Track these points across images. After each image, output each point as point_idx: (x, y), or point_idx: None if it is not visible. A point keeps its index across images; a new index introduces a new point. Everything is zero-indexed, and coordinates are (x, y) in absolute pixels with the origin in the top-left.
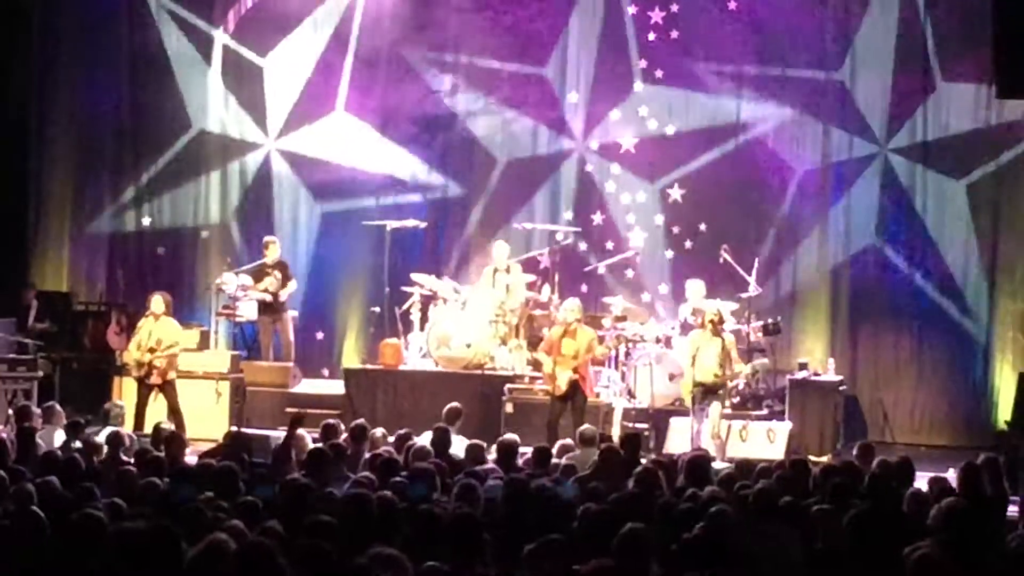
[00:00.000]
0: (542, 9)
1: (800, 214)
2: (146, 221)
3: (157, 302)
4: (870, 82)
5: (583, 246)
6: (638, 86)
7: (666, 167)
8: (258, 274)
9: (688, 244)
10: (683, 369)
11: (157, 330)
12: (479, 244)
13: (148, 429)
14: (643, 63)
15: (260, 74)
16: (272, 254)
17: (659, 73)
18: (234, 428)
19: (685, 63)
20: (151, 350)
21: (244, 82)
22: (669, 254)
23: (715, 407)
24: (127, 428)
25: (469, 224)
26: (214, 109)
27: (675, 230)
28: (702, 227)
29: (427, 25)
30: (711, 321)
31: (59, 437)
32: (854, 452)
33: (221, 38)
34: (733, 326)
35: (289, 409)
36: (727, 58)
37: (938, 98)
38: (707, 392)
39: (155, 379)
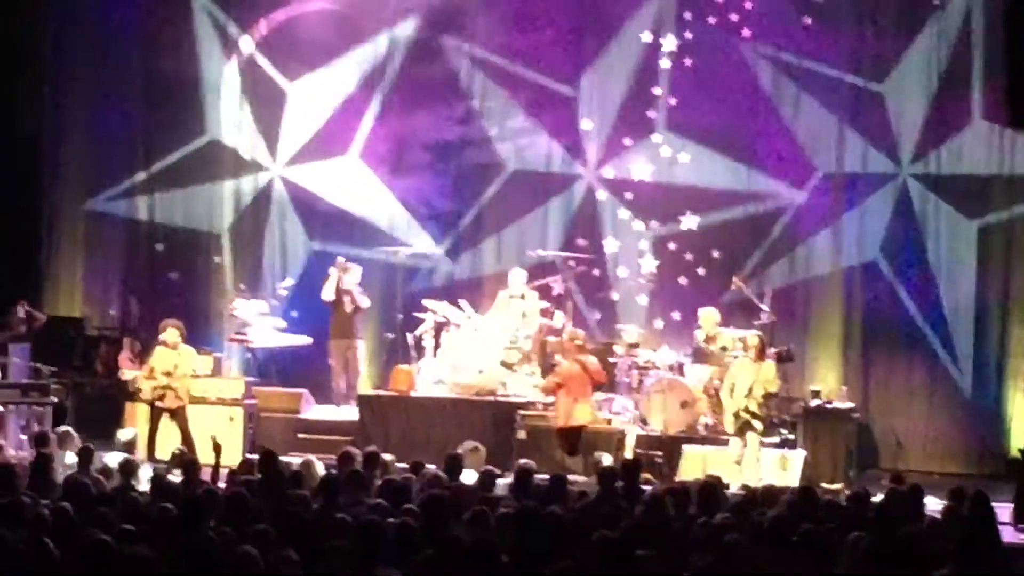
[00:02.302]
0: (573, 29)
1: (814, 240)
2: (157, 215)
3: (172, 334)
4: (904, 104)
5: (596, 273)
6: (651, 114)
7: (680, 195)
8: (339, 297)
9: (701, 271)
10: (696, 396)
11: (174, 358)
12: (492, 271)
13: (159, 455)
14: (657, 90)
15: (282, 98)
16: (351, 280)
17: (673, 101)
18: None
19: (698, 91)
20: (167, 373)
21: (263, 101)
22: (682, 281)
23: (752, 439)
24: (139, 454)
25: (482, 251)
26: (228, 122)
27: (688, 257)
28: (715, 254)
29: (454, 27)
30: (740, 347)
31: (72, 463)
32: (886, 482)
33: (246, 45)
34: (743, 354)
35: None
36: (741, 87)
37: (968, 133)
38: (744, 424)
39: (170, 402)
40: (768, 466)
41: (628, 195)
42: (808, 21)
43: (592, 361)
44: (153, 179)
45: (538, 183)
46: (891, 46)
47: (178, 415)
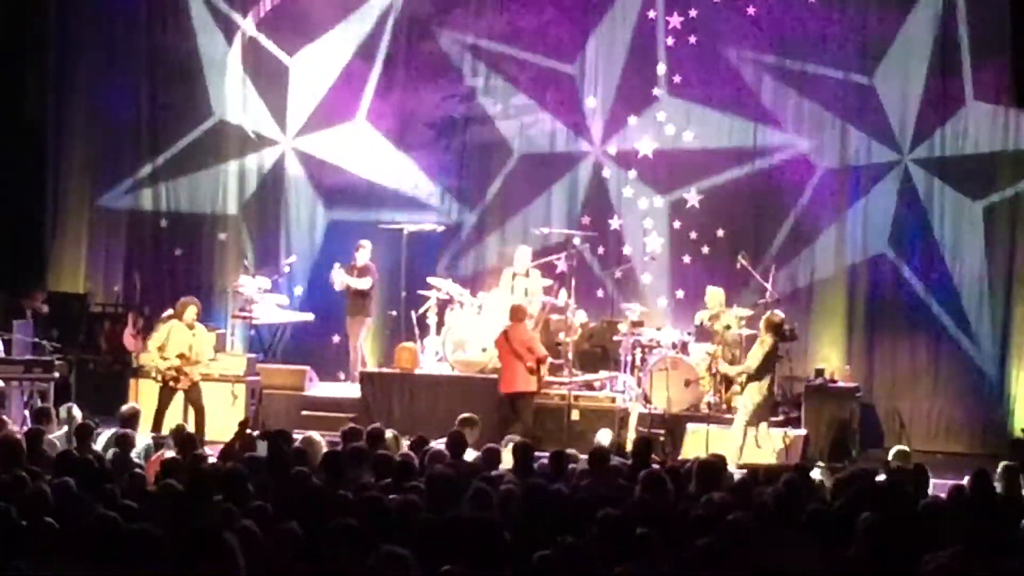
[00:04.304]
0: (574, 7)
1: (818, 221)
2: (163, 205)
3: (191, 312)
4: (896, 92)
5: (600, 251)
6: (657, 91)
7: (684, 173)
8: (349, 273)
9: (706, 250)
10: (700, 375)
11: (188, 339)
12: (496, 248)
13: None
14: (662, 68)
15: (286, 73)
16: (362, 257)
17: (677, 78)
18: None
19: (704, 68)
20: (182, 356)
21: (267, 78)
22: (687, 259)
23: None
24: (144, 430)
25: (486, 228)
26: (234, 101)
27: (693, 235)
28: (719, 233)
29: (454, 10)
30: (744, 326)
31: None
32: (890, 457)
33: (248, 27)
34: (748, 332)
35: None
36: (747, 63)
37: (966, 114)
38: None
39: (182, 384)
40: (770, 445)
41: (633, 172)
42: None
43: (518, 328)
44: (159, 170)
45: (543, 161)
46: (881, 30)
47: (192, 391)
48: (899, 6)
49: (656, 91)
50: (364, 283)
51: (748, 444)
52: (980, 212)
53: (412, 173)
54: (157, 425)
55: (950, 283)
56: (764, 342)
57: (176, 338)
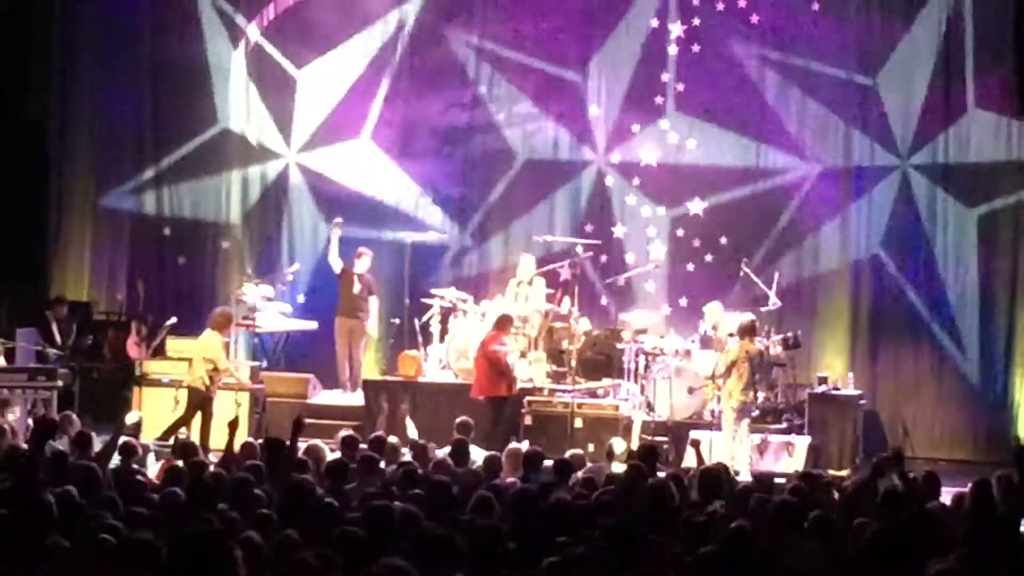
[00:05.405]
0: (579, 15)
1: (821, 228)
2: (166, 211)
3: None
4: (899, 96)
5: (604, 259)
6: (661, 100)
7: (687, 181)
8: (349, 277)
9: (709, 257)
10: (703, 382)
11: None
12: (500, 257)
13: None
14: (666, 77)
15: (293, 85)
16: (362, 266)
17: (681, 87)
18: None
19: (708, 77)
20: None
21: (273, 88)
22: (690, 267)
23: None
24: (151, 439)
25: (489, 236)
26: (237, 109)
27: (696, 243)
28: (723, 240)
29: (459, 17)
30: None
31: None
32: (874, 462)
33: (253, 33)
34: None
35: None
36: (750, 70)
37: (967, 122)
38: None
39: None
40: (774, 452)
41: (636, 181)
42: (816, 6)
43: (493, 337)
44: (162, 175)
45: (546, 170)
46: (885, 37)
47: (210, 405)
48: (904, 14)
49: (660, 100)
50: (362, 266)
51: (739, 449)
52: (975, 220)
53: (415, 186)
54: (170, 434)
55: (952, 291)
56: (729, 350)
57: (225, 349)
